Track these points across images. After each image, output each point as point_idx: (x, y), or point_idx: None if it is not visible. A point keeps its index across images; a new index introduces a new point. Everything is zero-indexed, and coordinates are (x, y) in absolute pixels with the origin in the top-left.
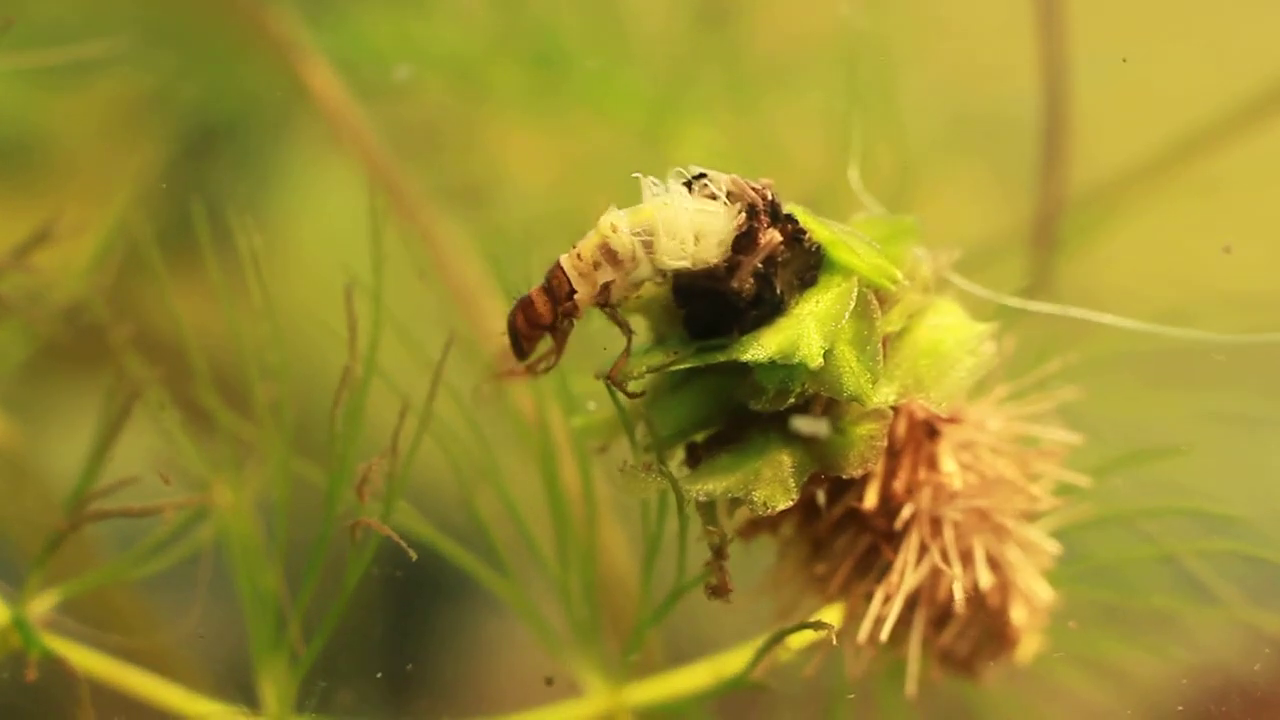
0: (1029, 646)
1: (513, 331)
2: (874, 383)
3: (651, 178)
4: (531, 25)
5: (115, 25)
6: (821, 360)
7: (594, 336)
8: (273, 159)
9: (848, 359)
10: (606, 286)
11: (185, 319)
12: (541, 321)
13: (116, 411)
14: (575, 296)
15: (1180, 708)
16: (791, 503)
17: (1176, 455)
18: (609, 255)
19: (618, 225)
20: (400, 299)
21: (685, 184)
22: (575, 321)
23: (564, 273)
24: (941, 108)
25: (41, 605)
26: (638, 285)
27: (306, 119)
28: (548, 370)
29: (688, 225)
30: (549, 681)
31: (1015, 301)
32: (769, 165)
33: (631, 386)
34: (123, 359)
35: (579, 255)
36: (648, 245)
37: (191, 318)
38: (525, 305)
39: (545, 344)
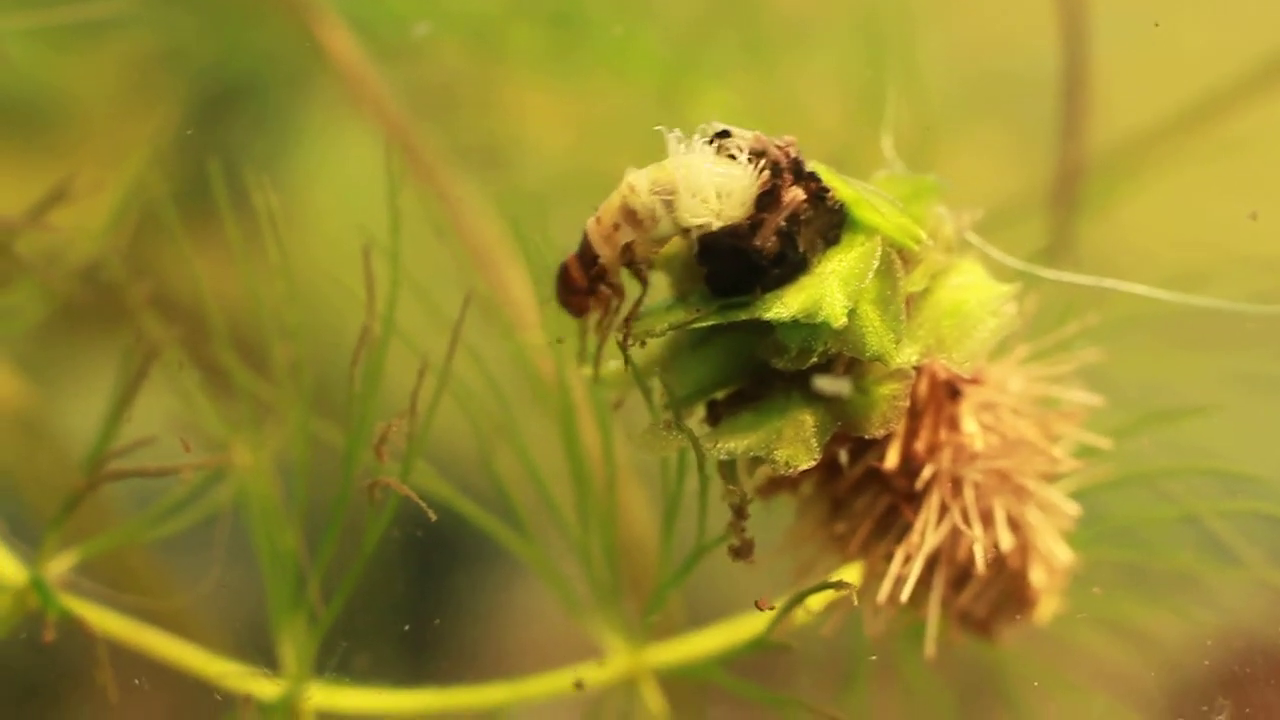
0: (1048, 607)
1: (559, 298)
2: (897, 342)
3: (676, 132)
4: None
5: None
6: (845, 320)
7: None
8: (289, 119)
9: (871, 319)
10: (629, 247)
11: (203, 279)
12: (577, 287)
13: (134, 371)
14: (600, 260)
15: (1207, 662)
16: (814, 463)
17: (1198, 416)
18: (628, 216)
19: (636, 185)
20: (418, 259)
21: (708, 141)
22: (613, 283)
23: (588, 237)
24: (961, 68)
25: (59, 566)
26: (661, 243)
27: (323, 79)
28: (609, 329)
29: (710, 183)
30: (579, 685)
31: (1048, 272)
32: (787, 126)
33: (652, 344)
34: (140, 319)
35: (598, 219)
36: (669, 204)
37: (209, 278)
38: (563, 272)
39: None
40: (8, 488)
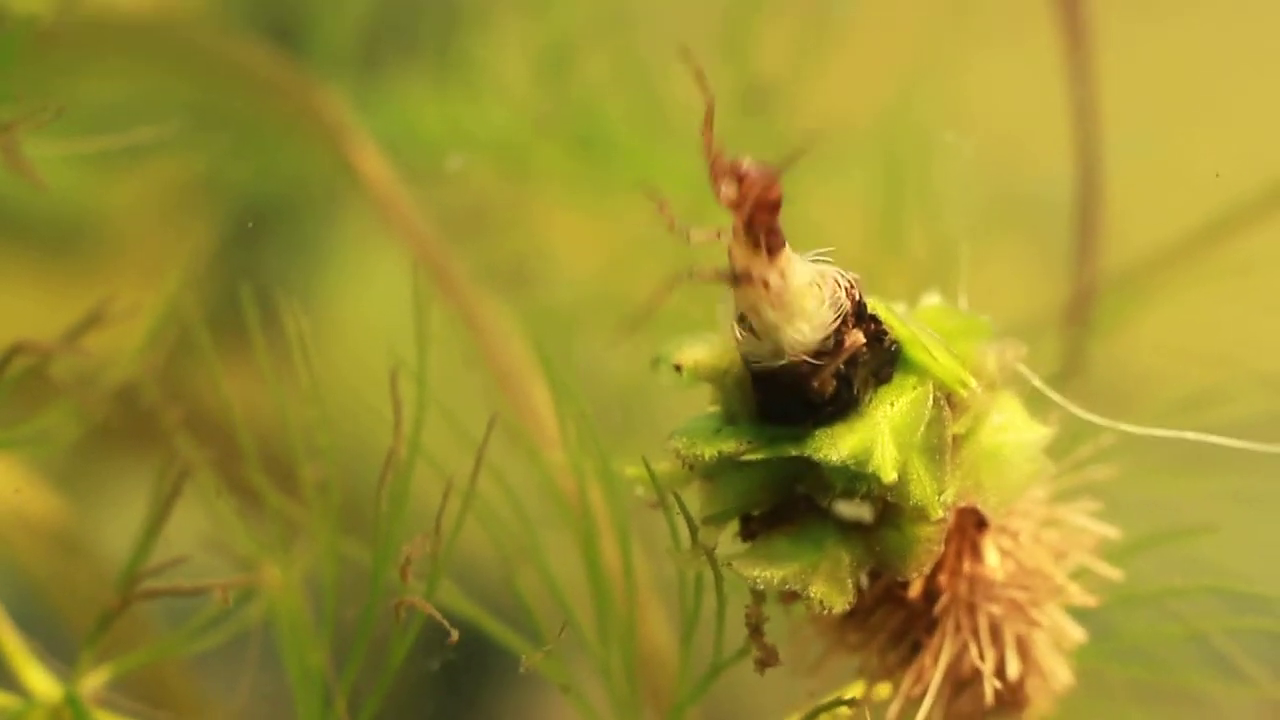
0: (1037, 711)
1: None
2: (941, 494)
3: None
4: (575, 107)
5: (167, 109)
6: (895, 476)
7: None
8: (321, 241)
9: (918, 470)
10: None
11: (234, 400)
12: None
13: (167, 491)
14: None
15: None
16: (849, 606)
17: (1206, 534)
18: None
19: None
20: (445, 381)
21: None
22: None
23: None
24: (979, 189)
25: (93, 682)
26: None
27: (355, 201)
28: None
29: (794, 300)
30: None
31: (1098, 416)
32: (808, 246)
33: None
34: (174, 440)
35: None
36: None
37: (240, 399)
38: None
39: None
40: (44, 605)
